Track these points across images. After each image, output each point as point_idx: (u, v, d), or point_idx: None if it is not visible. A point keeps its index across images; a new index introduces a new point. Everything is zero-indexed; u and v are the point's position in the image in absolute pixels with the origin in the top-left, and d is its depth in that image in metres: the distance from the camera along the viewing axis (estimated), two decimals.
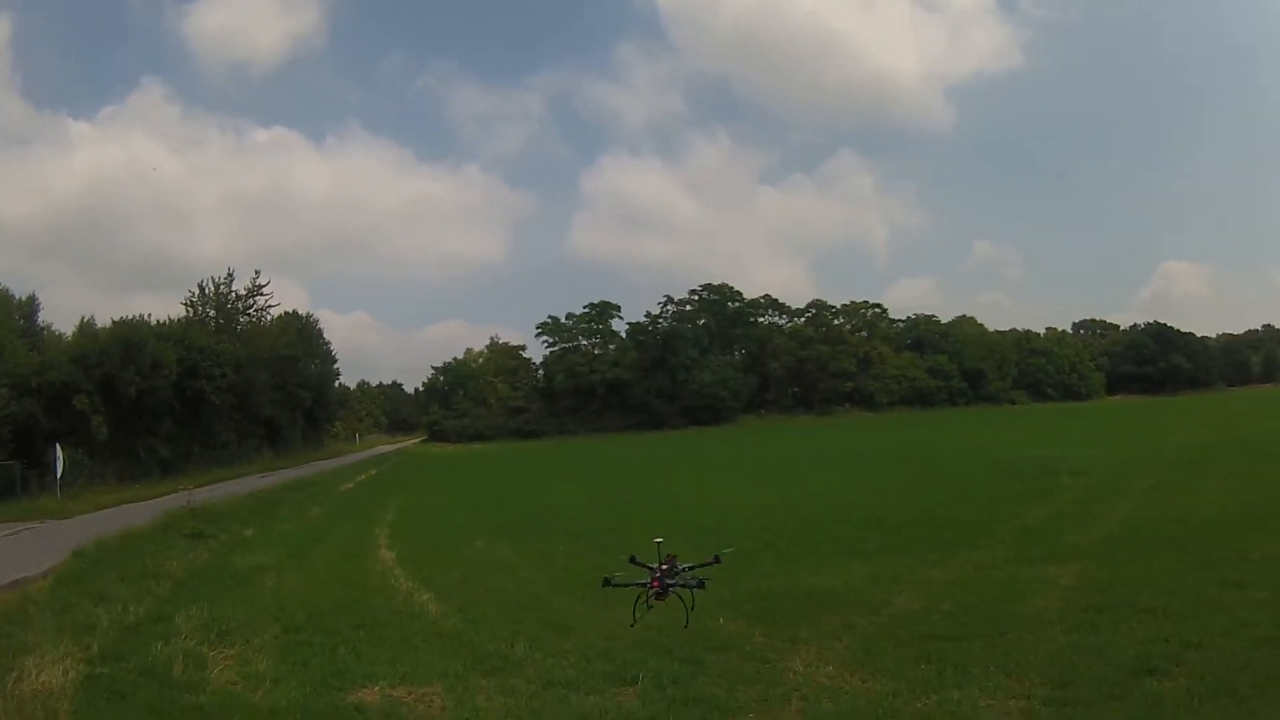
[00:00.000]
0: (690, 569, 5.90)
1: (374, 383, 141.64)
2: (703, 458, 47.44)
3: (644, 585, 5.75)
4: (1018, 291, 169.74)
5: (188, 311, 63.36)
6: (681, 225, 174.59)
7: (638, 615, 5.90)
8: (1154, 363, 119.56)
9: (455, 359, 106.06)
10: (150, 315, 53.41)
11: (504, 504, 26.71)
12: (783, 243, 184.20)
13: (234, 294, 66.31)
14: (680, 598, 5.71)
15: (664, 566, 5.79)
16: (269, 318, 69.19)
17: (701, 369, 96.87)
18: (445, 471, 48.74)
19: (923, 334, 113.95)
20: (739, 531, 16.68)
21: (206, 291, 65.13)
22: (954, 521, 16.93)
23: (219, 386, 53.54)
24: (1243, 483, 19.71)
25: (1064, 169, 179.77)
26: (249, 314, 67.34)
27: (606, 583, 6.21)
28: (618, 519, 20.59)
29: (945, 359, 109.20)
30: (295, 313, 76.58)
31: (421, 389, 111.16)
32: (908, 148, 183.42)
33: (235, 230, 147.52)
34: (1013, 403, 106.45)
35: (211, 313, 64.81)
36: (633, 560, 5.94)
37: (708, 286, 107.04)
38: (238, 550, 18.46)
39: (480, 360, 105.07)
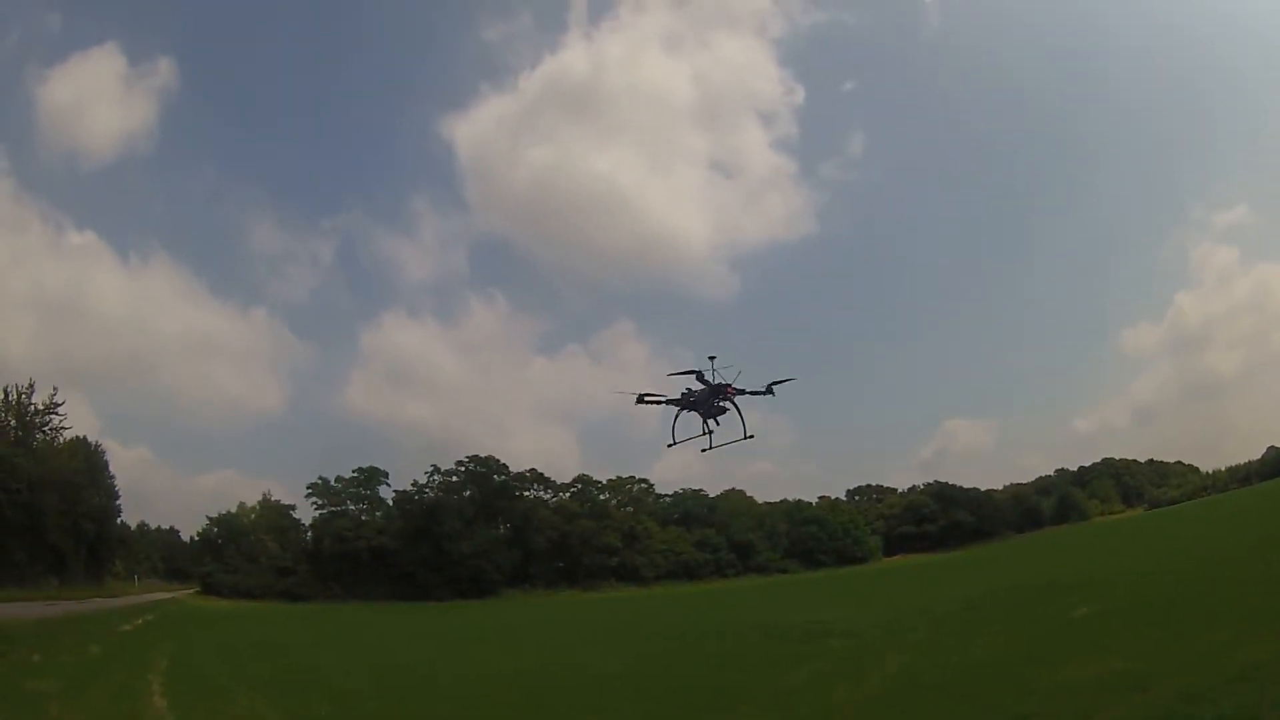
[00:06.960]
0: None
1: (153, 525, 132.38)
2: (463, 627, 47.12)
3: (676, 402, 7.05)
4: (790, 460, 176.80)
5: None
6: (454, 390, 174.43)
7: (676, 436, 7.75)
8: (934, 520, 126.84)
9: (229, 511, 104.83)
10: None
11: (268, 663, 26.87)
12: (553, 412, 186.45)
13: (34, 406, 64.92)
14: (737, 408, 7.61)
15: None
16: (61, 439, 67.53)
17: (466, 541, 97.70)
18: (215, 626, 47.81)
19: (690, 508, 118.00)
20: (495, 701, 17.05)
21: (10, 399, 63.74)
22: (715, 687, 16.70)
23: (14, 502, 51.57)
24: (1024, 621, 20.70)
25: (841, 336, 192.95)
26: (44, 431, 65.98)
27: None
28: (374, 684, 21.17)
29: (713, 532, 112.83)
30: (85, 439, 74.22)
31: (197, 538, 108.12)
32: (686, 315, 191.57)
33: (38, 332, 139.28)
34: (783, 571, 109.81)
35: (13, 422, 63.54)
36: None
37: (474, 458, 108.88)
38: (27, 674, 19.33)
39: (252, 515, 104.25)
